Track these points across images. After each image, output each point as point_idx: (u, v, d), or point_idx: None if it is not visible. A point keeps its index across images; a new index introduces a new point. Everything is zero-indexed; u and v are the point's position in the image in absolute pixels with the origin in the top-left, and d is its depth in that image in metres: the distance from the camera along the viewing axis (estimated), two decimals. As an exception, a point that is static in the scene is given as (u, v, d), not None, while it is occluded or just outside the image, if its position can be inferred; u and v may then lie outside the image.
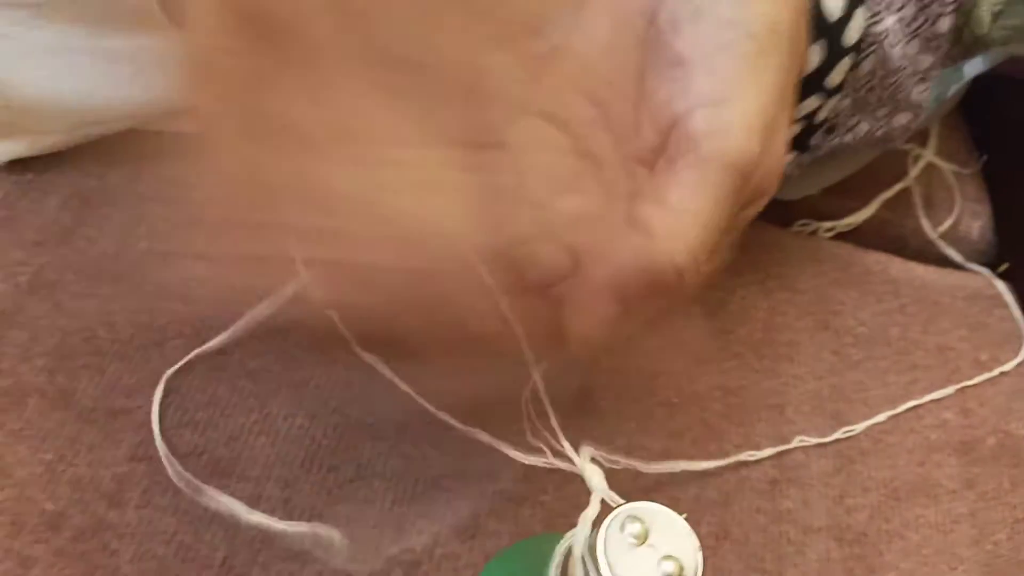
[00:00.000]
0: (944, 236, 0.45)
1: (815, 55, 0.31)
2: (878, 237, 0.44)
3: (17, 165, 0.37)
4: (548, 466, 0.26)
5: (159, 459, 0.31)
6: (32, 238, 0.35)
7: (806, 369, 0.38)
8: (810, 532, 0.33)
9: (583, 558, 0.22)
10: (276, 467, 0.31)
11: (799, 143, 0.34)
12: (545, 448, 0.26)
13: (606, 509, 0.23)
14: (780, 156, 0.28)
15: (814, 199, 0.44)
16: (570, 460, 0.25)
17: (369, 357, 0.28)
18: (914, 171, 0.46)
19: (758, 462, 0.35)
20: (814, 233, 0.44)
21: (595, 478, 0.25)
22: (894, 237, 0.45)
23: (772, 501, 0.33)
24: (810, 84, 0.32)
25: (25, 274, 0.34)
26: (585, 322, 0.26)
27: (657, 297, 0.26)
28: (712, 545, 0.32)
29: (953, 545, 0.33)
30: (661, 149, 0.27)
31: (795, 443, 0.35)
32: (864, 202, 0.45)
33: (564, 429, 0.29)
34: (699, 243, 0.25)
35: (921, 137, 0.47)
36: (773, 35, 0.27)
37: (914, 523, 0.34)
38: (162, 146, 0.38)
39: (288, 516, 0.30)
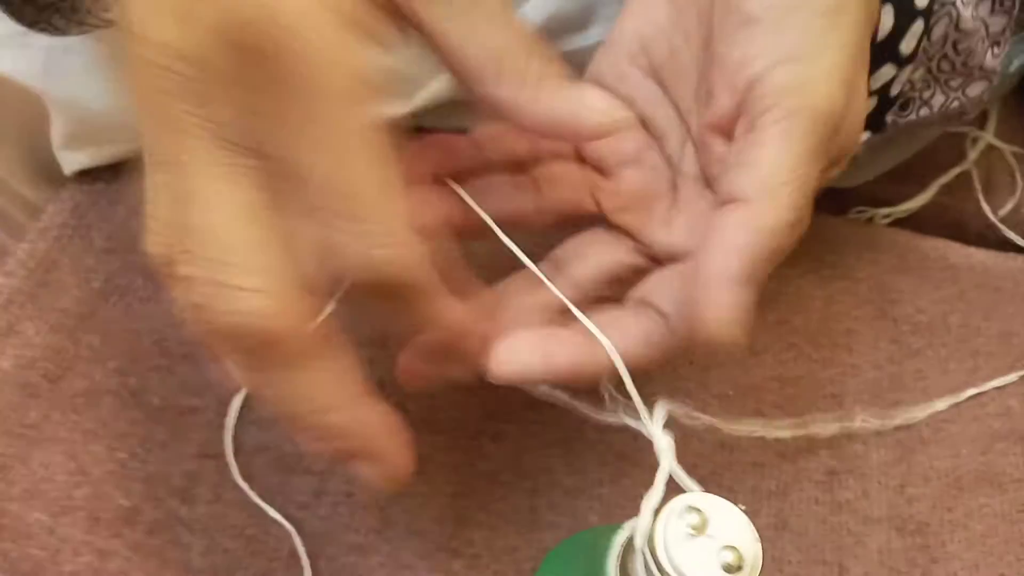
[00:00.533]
0: (1005, 219, 0.44)
1: (886, 18, 0.30)
2: (936, 222, 0.43)
3: (87, 175, 0.38)
4: (619, 424, 0.25)
5: (226, 455, 0.32)
6: (103, 245, 0.37)
7: (864, 359, 0.37)
8: (870, 522, 0.33)
9: (642, 548, 0.23)
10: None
11: (874, 122, 0.33)
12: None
13: (668, 496, 0.23)
14: (860, 115, 0.28)
15: (870, 185, 0.43)
16: (643, 423, 0.25)
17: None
18: (973, 153, 0.45)
19: (815, 452, 0.34)
20: (870, 220, 0.43)
21: (664, 448, 0.25)
22: (953, 222, 0.44)
23: (830, 492, 0.33)
24: (883, 51, 0.31)
25: (97, 280, 0.36)
26: (721, 315, 0.25)
27: (781, 258, 0.25)
28: (770, 536, 0.32)
29: (1020, 535, 0.33)
30: (738, 113, 0.27)
31: (857, 423, 0.35)
32: (922, 187, 0.44)
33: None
34: (801, 196, 0.25)
35: (980, 118, 0.46)
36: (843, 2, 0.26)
37: (978, 513, 0.33)
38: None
39: (351, 509, 0.31)
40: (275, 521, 0.31)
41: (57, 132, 0.37)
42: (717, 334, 0.25)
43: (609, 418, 0.26)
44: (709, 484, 0.33)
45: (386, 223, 0.22)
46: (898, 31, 0.31)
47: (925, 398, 0.36)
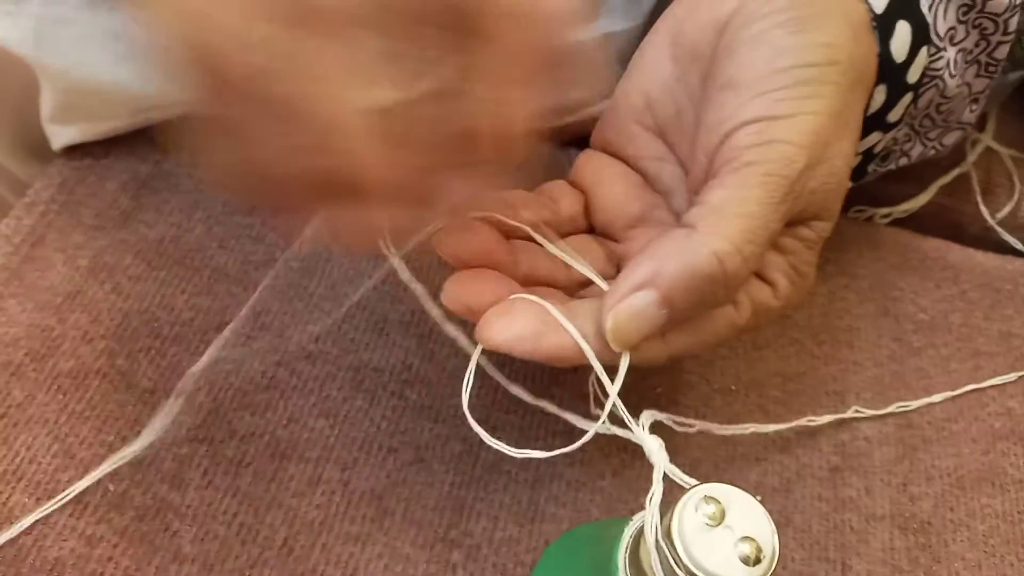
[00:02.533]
0: (1003, 223, 0.44)
1: (879, 96, 0.31)
2: (935, 223, 0.43)
3: (76, 151, 0.37)
4: (607, 433, 0.26)
5: (219, 441, 0.31)
6: (91, 222, 0.36)
7: (866, 355, 0.37)
8: (873, 520, 0.33)
9: (658, 539, 0.22)
10: (335, 449, 0.31)
11: (856, 173, 0.35)
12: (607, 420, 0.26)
13: (674, 491, 0.23)
14: (839, 179, 0.28)
15: (870, 184, 0.43)
16: (630, 430, 0.25)
17: (452, 330, 0.28)
18: (972, 156, 0.45)
19: (818, 448, 0.34)
20: (870, 219, 0.43)
21: (655, 449, 0.24)
22: (951, 223, 0.44)
23: (833, 489, 0.33)
24: (873, 122, 0.32)
25: (85, 257, 0.35)
26: (617, 315, 0.25)
27: (707, 293, 0.26)
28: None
29: (1022, 536, 0.33)
30: (710, 172, 0.27)
31: (850, 413, 0.34)
32: (921, 187, 0.44)
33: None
34: (741, 237, 0.25)
35: (979, 122, 0.46)
36: (832, 65, 0.27)
37: (980, 513, 0.33)
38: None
39: (347, 498, 0.30)
40: (269, 509, 0.30)
41: (47, 104, 0.35)
42: (611, 336, 0.25)
43: (596, 427, 0.26)
44: (711, 479, 0.33)
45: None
46: (888, 105, 0.32)
47: (927, 395, 0.36)
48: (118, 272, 0.34)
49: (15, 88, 0.36)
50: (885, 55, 0.30)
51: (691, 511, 0.22)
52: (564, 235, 0.31)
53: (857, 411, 0.35)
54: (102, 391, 0.32)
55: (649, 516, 0.23)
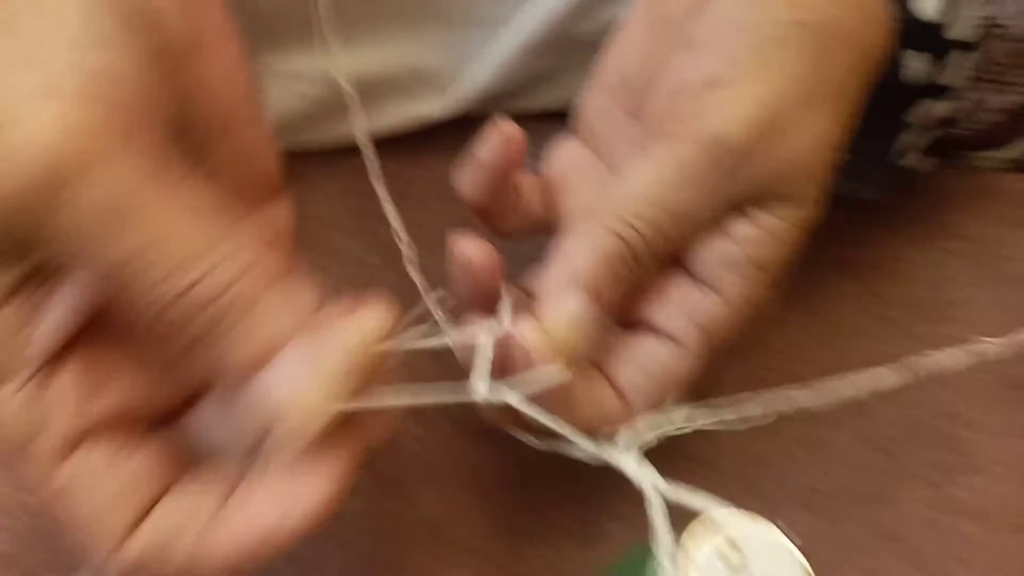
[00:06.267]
0: None
1: (915, 61, 0.27)
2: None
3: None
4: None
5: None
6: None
7: (979, 332, 0.32)
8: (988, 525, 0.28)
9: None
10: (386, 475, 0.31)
11: (941, 151, 0.31)
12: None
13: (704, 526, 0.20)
14: (807, 159, 0.25)
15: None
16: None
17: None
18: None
19: (924, 445, 0.30)
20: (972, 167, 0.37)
21: (647, 487, 0.22)
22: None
23: (941, 490, 0.29)
24: (916, 91, 0.28)
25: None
26: (559, 317, 0.24)
27: (624, 272, 0.24)
28: (872, 548, 0.28)
29: None
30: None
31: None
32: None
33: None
34: (638, 208, 0.24)
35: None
36: (798, 26, 0.24)
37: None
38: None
39: (400, 527, 0.30)
40: (323, 540, 0.30)
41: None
42: (555, 354, 0.23)
43: (583, 453, 0.24)
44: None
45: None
46: (936, 70, 0.28)
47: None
48: None
49: None
50: (907, 16, 0.26)
51: (705, 558, 0.20)
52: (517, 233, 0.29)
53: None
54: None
55: (661, 554, 0.20)
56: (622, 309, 0.26)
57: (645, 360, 0.26)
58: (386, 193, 0.35)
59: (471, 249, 0.26)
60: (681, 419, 0.26)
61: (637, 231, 0.24)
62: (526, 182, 0.30)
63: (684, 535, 0.20)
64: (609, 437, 0.24)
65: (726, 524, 0.20)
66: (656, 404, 0.26)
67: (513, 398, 0.23)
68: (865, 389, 0.27)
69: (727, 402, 0.25)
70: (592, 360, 0.26)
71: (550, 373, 0.23)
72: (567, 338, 0.23)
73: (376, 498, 0.31)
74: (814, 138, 0.25)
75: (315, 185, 0.38)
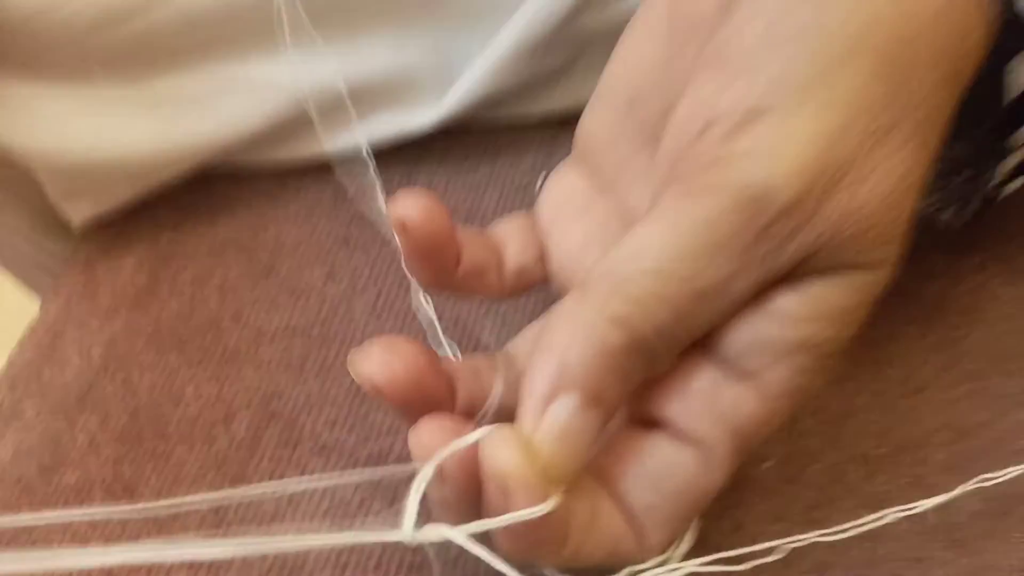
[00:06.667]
0: None
1: None
2: None
3: (98, 225, 0.34)
4: None
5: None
6: (107, 304, 0.32)
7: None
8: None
9: None
10: (348, 568, 0.26)
11: None
12: None
13: None
14: (883, 203, 0.18)
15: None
16: None
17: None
18: None
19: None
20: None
21: None
22: None
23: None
24: None
25: (99, 347, 0.31)
26: (544, 429, 0.18)
27: (632, 367, 0.19)
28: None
29: None
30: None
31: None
32: None
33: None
34: (648, 294, 0.18)
35: None
36: (871, 33, 0.18)
37: None
38: (238, 187, 0.34)
39: None
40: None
41: (49, 187, 0.33)
42: (544, 476, 0.18)
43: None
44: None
45: None
46: None
47: None
48: (129, 362, 0.31)
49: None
50: (1012, 13, 0.19)
51: None
52: (510, 292, 0.24)
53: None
54: (105, 505, 0.28)
55: None
56: (631, 402, 0.21)
57: (661, 473, 0.20)
58: (383, 209, 0.30)
59: (404, 208, 0.21)
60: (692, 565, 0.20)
61: (647, 317, 0.18)
62: (504, 232, 0.24)
63: None
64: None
65: None
66: (677, 531, 0.21)
67: (457, 536, 0.18)
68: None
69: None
70: (593, 471, 0.21)
71: (531, 502, 0.18)
72: (554, 456, 0.18)
73: None
74: (891, 184, 0.18)
75: (282, 206, 0.33)
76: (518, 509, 0.18)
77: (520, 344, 0.24)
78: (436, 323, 0.27)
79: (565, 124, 0.34)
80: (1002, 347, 0.27)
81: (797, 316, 0.19)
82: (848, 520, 0.24)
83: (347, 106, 0.31)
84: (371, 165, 0.30)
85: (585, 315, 0.18)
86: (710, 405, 0.20)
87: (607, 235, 0.23)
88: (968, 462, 0.25)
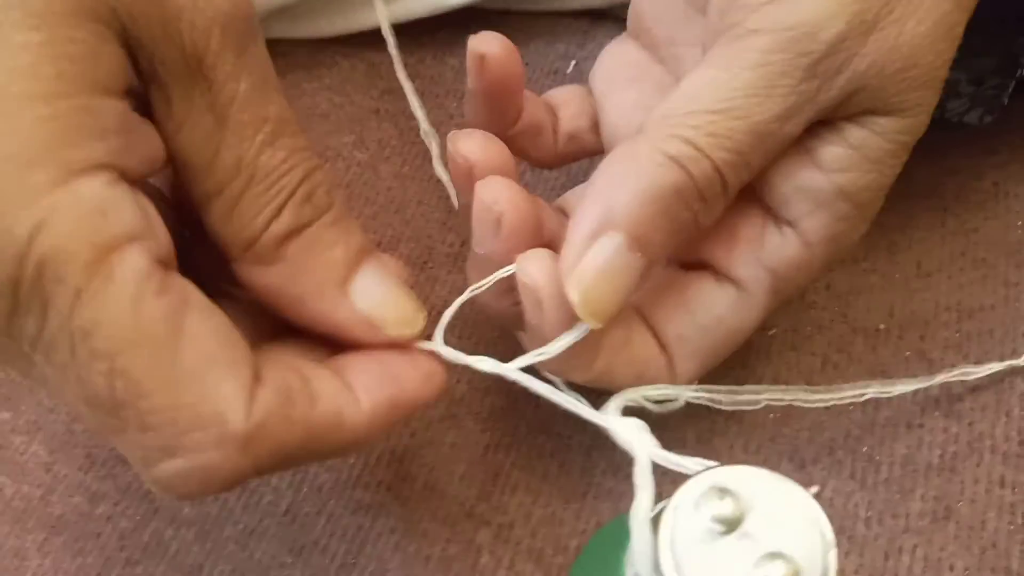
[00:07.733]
0: None
1: None
2: None
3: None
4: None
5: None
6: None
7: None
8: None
9: (641, 555, 0.15)
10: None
11: None
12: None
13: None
14: (909, 58, 0.19)
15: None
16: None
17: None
18: None
19: (1003, 410, 0.24)
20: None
21: (634, 440, 0.17)
22: None
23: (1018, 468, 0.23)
24: None
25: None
26: (573, 275, 0.19)
27: (682, 213, 0.19)
28: (925, 529, 0.23)
29: None
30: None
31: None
32: None
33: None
34: (710, 134, 0.18)
35: None
36: None
37: None
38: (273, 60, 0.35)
39: (362, 459, 0.26)
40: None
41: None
42: (582, 310, 0.18)
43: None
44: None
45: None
46: None
47: None
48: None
49: None
50: None
51: (689, 511, 0.15)
52: (560, 158, 0.25)
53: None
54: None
55: (636, 536, 0.15)
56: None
57: (700, 310, 0.21)
58: (411, 86, 0.30)
59: (485, 44, 0.21)
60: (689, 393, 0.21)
61: (702, 157, 0.18)
62: (560, 96, 0.25)
63: (677, 492, 0.15)
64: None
65: (723, 480, 0.15)
66: (707, 365, 0.21)
67: (487, 365, 0.20)
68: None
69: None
70: (634, 304, 0.21)
71: (561, 317, 0.19)
72: (592, 291, 0.18)
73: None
74: (931, 24, 0.19)
75: (316, 78, 0.34)
76: (549, 324, 0.19)
77: (571, 199, 0.24)
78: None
79: (599, 20, 0.34)
80: (1015, 239, 0.27)
81: (838, 162, 0.19)
82: (848, 387, 0.24)
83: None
84: (391, 40, 0.30)
85: (639, 157, 0.18)
86: (752, 249, 0.20)
87: (660, 100, 0.23)
88: (971, 341, 0.25)
